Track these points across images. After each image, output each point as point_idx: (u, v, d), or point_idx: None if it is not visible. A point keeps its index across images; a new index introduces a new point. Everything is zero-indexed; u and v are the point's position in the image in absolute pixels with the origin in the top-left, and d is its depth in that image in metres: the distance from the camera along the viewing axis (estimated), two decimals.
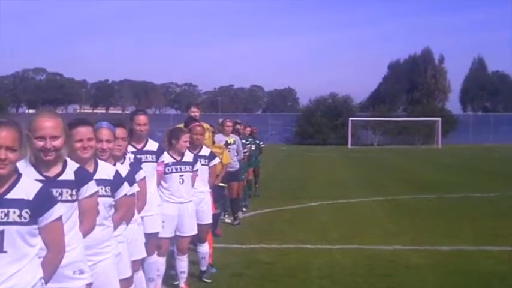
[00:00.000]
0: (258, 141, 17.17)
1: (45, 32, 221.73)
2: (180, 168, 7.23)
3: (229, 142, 11.94)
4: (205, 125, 10.04)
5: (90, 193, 4.02)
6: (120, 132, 5.49)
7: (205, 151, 8.01)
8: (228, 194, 12.42)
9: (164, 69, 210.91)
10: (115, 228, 4.67)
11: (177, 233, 7.35)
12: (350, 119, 61.04)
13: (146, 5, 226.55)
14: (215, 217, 11.23)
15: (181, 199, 7.22)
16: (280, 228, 12.01)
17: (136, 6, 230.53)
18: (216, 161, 8.11)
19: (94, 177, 4.23)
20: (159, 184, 7.01)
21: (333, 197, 16.95)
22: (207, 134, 9.84)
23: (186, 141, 7.23)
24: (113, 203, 4.54)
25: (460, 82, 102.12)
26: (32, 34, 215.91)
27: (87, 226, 4.07)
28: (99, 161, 4.61)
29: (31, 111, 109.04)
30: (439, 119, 60.36)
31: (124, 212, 4.75)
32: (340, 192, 18.40)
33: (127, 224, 5.09)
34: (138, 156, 6.59)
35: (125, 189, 4.64)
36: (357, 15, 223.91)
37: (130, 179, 5.01)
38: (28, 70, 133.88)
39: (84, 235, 4.02)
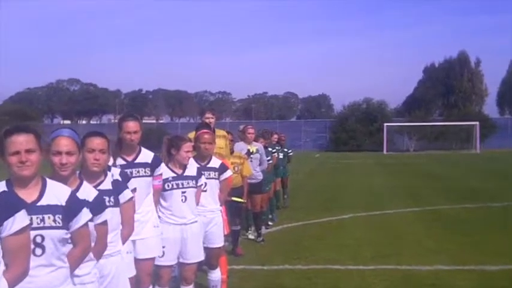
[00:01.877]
0: (286, 150, 16.08)
1: (79, 42, 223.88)
2: (182, 184, 6.21)
3: (251, 151, 10.90)
4: (222, 132, 9.07)
5: (16, 228, 3.08)
6: (97, 142, 4.49)
7: (215, 162, 6.96)
8: (250, 207, 11.38)
9: (198, 77, 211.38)
10: (74, 267, 3.66)
11: (181, 260, 6.34)
12: (385, 124, 59.52)
13: (179, 14, 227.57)
14: (235, 234, 10.23)
15: (183, 220, 6.20)
16: (308, 245, 10.90)
17: (170, 16, 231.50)
18: (228, 173, 7.05)
19: (38, 203, 3.44)
20: (157, 202, 6.04)
21: (367, 208, 15.76)
22: (223, 143, 8.89)
23: (188, 151, 6.21)
24: (67, 236, 3.54)
25: (497, 85, 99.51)
26: (66, 45, 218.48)
27: (15, 271, 3.12)
28: (49, 181, 3.62)
29: (66, 122, 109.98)
30: (477, 123, 58.43)
31: (84, 247, 3.74)
32: (375, 202, 17.19)
33: (97, 259, 4.08)
34: (128, 170, 5.62)
35: (84, 217, 3.63)
36: (391, 19, 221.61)
37: (99, 203, 4.02)
38: (62, 81, 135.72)
39: (12, 284, 3.04)
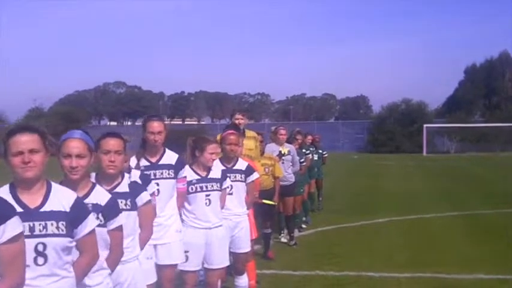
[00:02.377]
0: (320, 151, 15.72)
1: (124, 45, 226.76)
2: (206, 187, 5.96)
3: (282, 152, 10.58)
4: (252, 134, 8.80)
5: (8, 237, 2.84)
6: (112, 143, 4.26)
7: (241, 164, 6.68)
8: (282, 210, 11.07)
9: (238, 79, 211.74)
10: (81, 278, 3.42)
11: (205, 265, 6.09)
12: (425, 125, 58.47)
13: (220, 17, 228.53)
14: (266, 238, 9.94)
15: (208, 224, 5.94)
16: (341, 250, 10.55)
17: (211, 19, 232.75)
18: (255, 176, 6.76)
19: (41, 209, 3.22)
20: (181, 206, 5.83)
21: (404, 211, 15.29)
22: (253, 144, 8.61)
23: (212, 153, 5.94)
24: (71, 244, 3.29)
25: None
26: (112, 48, 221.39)
27: (10, 282, 2.91)
28: (54, 185, 3.39)
29: (112, 123, 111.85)
30: None
31: (91, 256, 3.49)
32: (412, 206, 16.70)
33: (112, 269, 3.84)
34: (152, 171, 5.42)
35: (90, 224, 3.39)
36: (431, 19, 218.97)
37: (112, 207, 3.79)
38: (109, 84, 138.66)
39: None
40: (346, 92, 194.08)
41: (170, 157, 5.68)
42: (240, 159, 6.74)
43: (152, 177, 5.41)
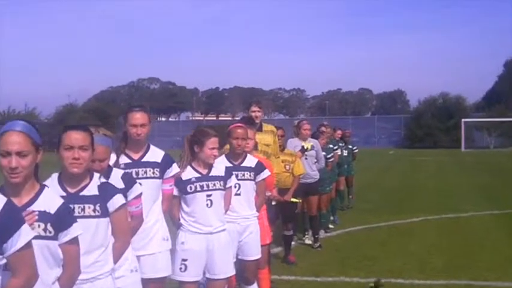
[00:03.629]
0: (350, 146, 14.90)
1: (158, 41, 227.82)
2: (207, 186, 5.22)
3: (305, 147, 9.82)
4: (270, 127, 8.06)
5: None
6: (75, 137, 3.57)
7: (250, 161, 5.93)
8: (306, 210, 10.32)
9: (273, 75, 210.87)
10: None
11: (207, 275, 5.35)
12: (463, 120, 57.00)
13: (254, 13, 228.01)
14: (288, 240, 9.22)
15: (209, 228, 5.20)
16: (370, 252, 9.73)
17: (245, 15, 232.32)
18: (266, 174, 5.98)
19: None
20: (167, 210, 5.08)
21: (440, 210, 14.35)
22: (271, 139, 7.87)
23: (213, 148, 5.21)
24: (1, 262, 2.71)
25: None
26: (146, 44, 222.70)
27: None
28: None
29: None
30: None
31: (26, 277, 2.88)
32: (449, 204, 15.72)
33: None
34: (134, 169, 4.73)
35: (24, 237, 2.80)
36: (470, 12, 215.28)
37: (63, 215, 3.13)
38: (143, 79, 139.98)
39: None
40: (383, 87, 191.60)
41: (155, 154, 4.97)
42: (249, 155, 5.99)
43: (134, 176, 4.72)
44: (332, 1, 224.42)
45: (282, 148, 8.91)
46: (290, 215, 9.06)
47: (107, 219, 3.64)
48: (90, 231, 3.52)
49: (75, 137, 3.54)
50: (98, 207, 3.59)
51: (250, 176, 5.83)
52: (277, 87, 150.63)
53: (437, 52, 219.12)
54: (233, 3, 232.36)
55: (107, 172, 4.16)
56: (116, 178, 4.17)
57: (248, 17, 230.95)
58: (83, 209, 3.55)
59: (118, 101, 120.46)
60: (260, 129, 7.81)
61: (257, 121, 7.71)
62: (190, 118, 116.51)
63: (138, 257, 4.62)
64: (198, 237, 5.19)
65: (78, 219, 3.29)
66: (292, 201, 8.87)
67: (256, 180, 5.89)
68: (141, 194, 4.34)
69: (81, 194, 3.59)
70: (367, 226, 12.28)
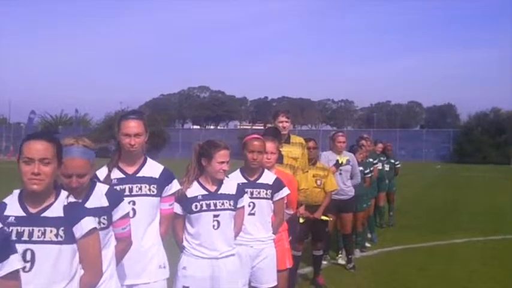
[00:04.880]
0: (392, 160, 14.15)
1: (209, 51, 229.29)
2: (214, 205, 4.64)
3: (340, 162, 9.18)
4: (299, 140, 7.44)
5: None
6: (36, 149, 3.07)
7: (267, 177, 5.33)
8: (339, 228, 9.67)
9: (321, 86, 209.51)
10: None
11: None
12: None
13: (304, 25, 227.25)
14: (317, 260, 8.58)
15: (214, 253, 4.63)
16: (407, 276, 9.01)
17: (295, 27, 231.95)
18: (285, 192, 5.37)
19: None
20: (165, 233, 4.49)
21: (487, 231, 13.46)
22: (299, 151, 7.25)
23: (222, 162, 4.63)
24: None
25: None
26: (197, 54, 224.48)
27: None
28: None
29: (195, 127, 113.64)
30: None
31: None
32: (497, 224, 14.76)
33: None
34: (126, 186, 4.17)
35: None
36: None
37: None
38: (193, 88, 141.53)
39: None
40: (433, 100, 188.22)
41: (153, 168, 4.37)
42: (266, 171, 5.40)
43: (127, 193, 4.16)
44: (382, 15, 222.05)
45: (314, 161, 8.30)
46: (320, 234, 8.43)
47: (73, 246, 3.10)
48: (50, 260, 3.00)
49: (36, 147, 3.03)
50: (61, 232, 3.07)
51: (266, 194, 5.24)
52: (325, 97, 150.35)
53: (489, 67, 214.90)
54: (283, 13, 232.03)
55: (88, 188, 3.62)
56: (99, 194, 3.63)
57: (299, 28, 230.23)
58: (44, 233, 3.04)
59: (169, 108, 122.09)
60: (288, 141, 7.22)
61: (284, 132, 7.13)
62: (238, 127, 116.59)
63: (130, 286, 4.10)
64: (201, 263, 4.62)
65: (37, 245, 2.77)
66: (323, 219, 8.25)
67: (274, 199, 5.30)
68: (128, 213, 3.80)
69: (43, 215, 3.08)
70: (406, 246, 11.53)
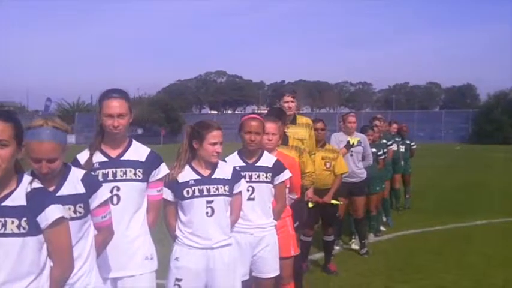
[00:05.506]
0: (408, 141, 13.73)
1: (225, 36, 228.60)
2: (208, 190, 4.32)
3: (351, 143, 8.82)
4: (305, 120, 7.11)
5: None
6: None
7: (267, 160, 5.00)
8: (352, 212, 9.34)
9: (339, 68, 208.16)
10: None
11: None
12: None
13: (319, 6, 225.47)
14: (328, 246, 8.26)
15: (208, 242, 4.31)
16: (423, 261, 8.66)
17: (309, 8, 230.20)
18: (286, 175, 5.03)
19: None
20: (153, 221, 4.15)
21: (506, 212, 13.02)
22: (305, 132, 6.92)
23: (215, 144, 4.31)
24: None
25: None
26: (214, 38, 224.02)
27: None
28: None
29: (213, 112, 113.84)
30: None
31: None
32: None
33: None
34: (109, 170, 3.87)
35: None
36: None
37: None
38: (210, 73, 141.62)
39: None
40: (452, 81, 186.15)
41: (139, 151, 4.04)
42: (265, 153, 5.07)
43: (110, 177, 3.86)
44: None
45: (323, 143, 7.97)
46: (330, 219, 8.11)
47: (38, 237, 2.80)
48: (12, 255, 2.71)
49: None
50: (23, 223, 2.76)
51: (266, 177, 4.91)
52: (343, 80, 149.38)
53: (509, 45, 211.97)
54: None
55: (62, 174, 3.32)
56: (74, 181, 3.32)
57: (312, 11, 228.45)
58: (4, 225, 2.75)
59: (186, 94, 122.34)
60: (294, 122, 6.89)
61: (290, 112, 6.82)
62: (256, 111, 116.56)
63: (114, 279, 3.80)
64: (195, 253, 4.31)
65: None
66: (333, 204, 7.92)
67: (275, 183, 4.96)
68: (108, 200, 3.48)
69: (3, 204, 2.78)
70: (422, 230, 11.16)
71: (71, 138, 67.00)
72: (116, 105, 3.86)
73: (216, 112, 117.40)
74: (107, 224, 3.49)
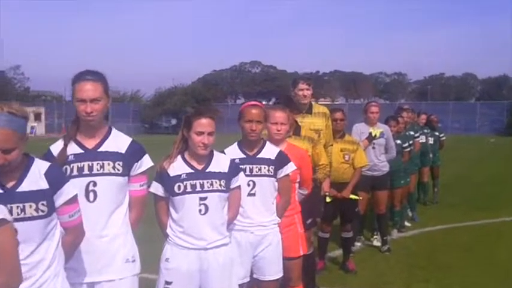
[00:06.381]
0: (437, 133, 13.19)
1: (260, 25, 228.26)
2: (201, 185, 3.94)
3: (373, 134, 8.39)
4: (322, 109, 6.69)
5: None
6: None
7: (269, 151, 4.60)
8: (373, 207, 8.93)
9: (374, 59, 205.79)
10: None
11: None
12: None
13: None
14: (346, 243, 7.86)
15: (202, 242, 3.95)
16: (448, 259, 8.20)
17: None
18: (290, 168, 4.61)
19: None
20: (136, 220, 3.76)
21: None
22: (321, 122, 6.51)
23: (201, 133, 3.93)
24: None
25: None
26: (248, 28, 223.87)
27: None
28: None
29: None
30: None
31: None
32: None
33: None
34: (85, 163, 3.51)
35: None
36: None
37: None
38: (245, 63, 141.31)
39: None
40: (488, 72, 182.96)
41: (118, 141, 3.64)
42: (268, 144, 4.67)
43: (86, 171, 3.48)
44: None
45: (342, 134, 7.54)
46: (349, 214, 7.69)
47: None
48: None
49: None
50: None
51: (268, 170, 4.51)
52: (378, 71, 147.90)
53: None
54: None
55: (23, 167, 2.97)
56: (37, 175, 2.97)
57: (350, 1, 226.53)
58: None
59: (221, 84, 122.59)
60: (310, 111, 6.48)
61: (305, 101, 6.42)
62: None
63: (91, 284, 3.45)
64: (187, 254, 3.95)
65: None
66: (352, 198, 7.50)
67: (278, 176, 4.57)
68: (76, 196, 3.12)
69: None
70: (450, 225, 10.67)
71: None
72: (89, 89, 3.45)
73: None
74: (75, 223, 3.13)
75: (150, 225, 4.17)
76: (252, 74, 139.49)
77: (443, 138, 13.55)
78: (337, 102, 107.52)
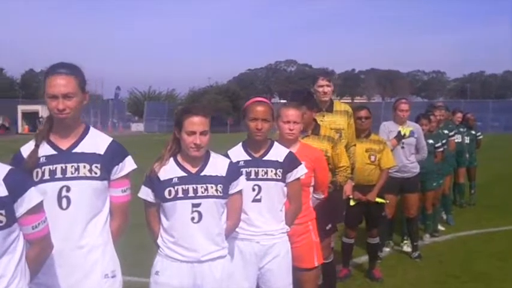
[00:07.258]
0: (473, 132, 12.54)
1: (295, 23, 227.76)
2: (195, 190, 3.51)
3: (402, 133, 7.86)
4: (344, 107, 6.25)
5: None
6: None
7: (277, 153, 4.15)
8: (403, 211, 8.40)
9: (411, 57, 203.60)
10: None
11: None
12: None
13: None
14: (372, 249, 7.35)
15: (195, 254, 3.51)
16: (482, 268, 7.63)
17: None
18: (301, 171, 4.15)
19: None
20: (118, 229, 3.33)
21: None
22: (343, 121, 6.07)
23: (193, 133, 3.50)
24: None
25: None
26: (283, 27, 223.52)
27: None
28: None
29: (282, 101, 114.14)
30: None
31: None
32: None
33: None
34: (58, 166, 3.11)
35: None
36: None
37: None
38: (280, 62, 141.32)
39: None
40: None
41: (96, 142, 3.23)
42: (276, 144, 4.21)
43: (59, 175, 3.07)
44: None
45: (367, 133, 7.03)
46: (375, 219, 7.17)
47: None
48: None
49: None
50: None
51: (276, 174, 4.05)
52: (415, 69, 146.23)
53: None
54: None
55: None
56: None
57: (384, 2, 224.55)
58: None
59: (256, 83, 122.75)
60: (330, 110, 6.03)
61: (326, 98, 5.99)
62: None
63: None
64: (179, 267, 3.52)
65: None
66: (378, 202, 7.00)
67: (287, 181, 4.11)
68: (40, 204, 2.70)
69: None
70: (486, 230, 10.05)
71: (139, 127, 67.79)
72: (61, 84, 3.05)
73: (285, 101, 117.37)
74: (41, 235, 2.72)
75: None
76: (287, 73, 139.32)
77: (480, 137, 12.89)
78: (373, 101, 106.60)
